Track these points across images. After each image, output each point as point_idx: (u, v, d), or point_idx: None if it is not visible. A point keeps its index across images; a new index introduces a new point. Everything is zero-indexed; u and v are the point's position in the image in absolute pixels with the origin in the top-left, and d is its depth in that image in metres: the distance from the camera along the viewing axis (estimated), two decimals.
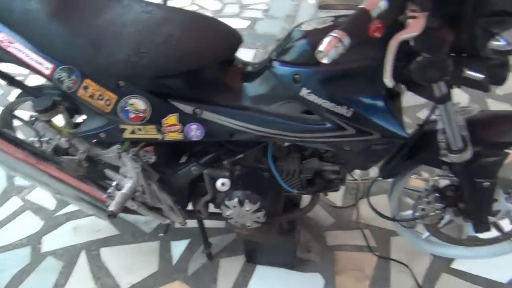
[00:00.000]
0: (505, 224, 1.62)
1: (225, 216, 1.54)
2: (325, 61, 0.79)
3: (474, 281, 1.80)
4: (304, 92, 1.15)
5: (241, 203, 1.46)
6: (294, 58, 1.15)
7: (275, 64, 1.19)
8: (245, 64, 1.34)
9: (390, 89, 1.21)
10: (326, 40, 0.78)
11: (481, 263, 1.82)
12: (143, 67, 1.18)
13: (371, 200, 2.09)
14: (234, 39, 1.29)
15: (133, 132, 1.32)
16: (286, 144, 1.41)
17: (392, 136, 1.17)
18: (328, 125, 1.19)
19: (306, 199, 1.71)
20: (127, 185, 1.44)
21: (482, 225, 1.49)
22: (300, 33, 1.16)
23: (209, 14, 3.61)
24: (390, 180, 1.61)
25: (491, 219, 1.54)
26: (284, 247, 1.80)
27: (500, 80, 1.09)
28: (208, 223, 1.91)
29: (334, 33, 0.78)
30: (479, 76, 0.99)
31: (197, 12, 1.38)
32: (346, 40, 0.78)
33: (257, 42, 3.28)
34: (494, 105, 2.61)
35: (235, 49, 1.29)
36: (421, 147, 1.34)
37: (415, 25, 0.85)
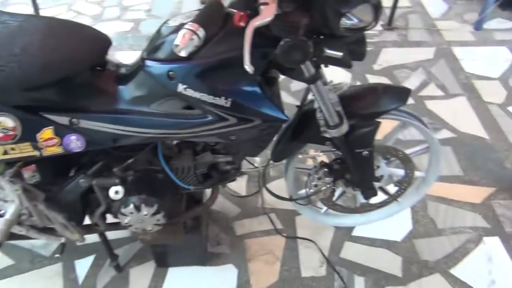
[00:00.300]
0: (390, 187, 1.76)
1: (124, 224, 1.50)
2: (183, 54, 0.80)
3: (373, 243, 1.94)
4: (181, 88, 1.14)
5: (137, 208, 1.42)
6: (166, 55, 1.14)
7: (148, 63, 1.17)
8: (119, 66, 1.30)
9: (266, 75, 1.26)
10: (181, 34, 0.79)
11: (377, 226, 1.96)
12: (3, 81, 1.10)
13: (274, 184, 2.17)
14: (101, 42, 1.24)
15: (5, 153, 1.23)
16: (175, 142, 1.39)
17: (273, 120, 1.21)
18: (210, 117, 1.20)
19: (209, 193, 1.72)
20: (10, 210, 1.33)
21: (369, 192, 1.61)
22: (168, 29, 1.15)
23: (88, 19, 3.47)
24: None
25: (377, 184, 1.66)
26: (192, 245, 1.80)
27: (360, 56, 1.17)
28: (113, 234, 1.85)
29: (188, 26, 0.79)
30: (338, 54, 1.06)
31: (59, 18, 1.31)
32: (201, 32, 0.79)
33: (142, 43, 3.19)
34: (373, 80, 2.82)
35: (105, 52, 1.24)
36: (303, 127, 1.41)
37: (267, 11, 0.88)
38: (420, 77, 2.86)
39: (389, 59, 3.01)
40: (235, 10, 0.98)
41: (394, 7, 3.21)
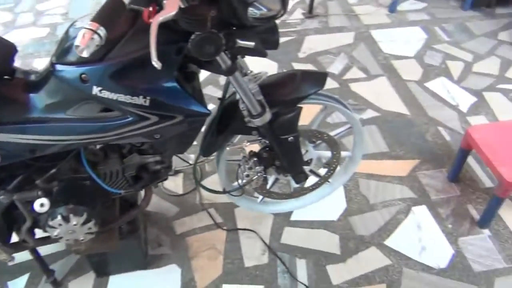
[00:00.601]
0: (321, 170, 1.82)
1: (54, 237, 1.44)
2: (85, 55, 0.78)
3: (311, 225, 2.00)
4: (95, 90, 1.11)
5: (65, 219, 1.37)
6: (77, 58, 1.10)
7: (58, 67, 1.12)
8: (28, 73, 1.24)
9: (185, 70, 1.25)
10: (80, 34, 0.76)
11: (313, 208, 2.02)
12: None
13: (210, 179, 2.17)
14: (4, 49, 1.18)
15: None
16: (99, 146, 1.36)
17: (195, 115, 1.21)
18: (130, 118, 1.18)
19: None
20: None
21: (300, 176, 1.65)
22: (76, 31, 1.11)
23: None
24: None
25: (308, 168, 1.71)
26: (131, 249, 1.76)
27: (273, 44, 1.20)
28: (46, 249, 1.77)
29: (87, 26, 0.77)
30: (250, 44, 1.08)
31: None
32: (102, 31, 0.78)
33: None
34: (299, 67, 2.88)
35: (11, 60, 1.18)
36: (228, 119, 1.42)
37: (170, 6, 0.88)
38: (343, 62, 2.96)
39: (312, 46, 3.09)
40: (142, 8, 0.97)
41: None
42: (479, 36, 3.26)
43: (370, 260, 1.86)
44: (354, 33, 3.24)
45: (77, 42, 0.77)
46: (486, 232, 1.97)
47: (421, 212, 2.05)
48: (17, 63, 1.23)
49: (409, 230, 1.98)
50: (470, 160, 2.27)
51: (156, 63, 0.89)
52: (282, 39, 3.10)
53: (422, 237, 1.95)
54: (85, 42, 0.76)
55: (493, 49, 3.13)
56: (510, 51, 3.10)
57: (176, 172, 2.23)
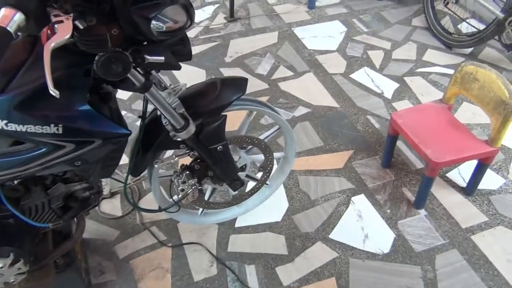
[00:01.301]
0: (257, 174, 1.82)
1: None
2: None
3: (257, 229, 1.99)
4: (1, 124, 1.03)
5: None
6: None
7: None
8: None
9: (99, 92, 1.20)
10: None
11: (257, 212, 2.02)
12: None
13: (149, 197, 2.11)
14: None
15: None
16: (16, 181, 1.27)
17: (114, 136, 1.16)
18: (44, 148, 1.11)
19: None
20: None
21: (235, 183, 1.64)
22: None
23: None
24: None
25: (244, 174, 1.70)
26: (71, 282, 1.67)
27: (187, 55, 1.17)
28: None
29: None
30: (160, 58, 1.05)
31: None
32: None
33: None
34: (228, 72, 2.87)
35: None
36: (153, 136, 1.38)
37: (63, 30, 0.84)
38: (269, 62, 2.99)
39: (238, 49, 3.09)
40: (38, 34, 0.92)
41: None
42: (394, 24, 3.41)
43: (317, 255, 1.89)
44: (278, 33, 3.28)
45: None
46: (422, 212, 2.06)
47: (360, 201, 2.11)
48: None
49: (351, 221, 2.03)
50: (400, 144, 2.37)
51: (53, 92, 0.84)
52: (207, 45, 3.09)
53: (364, 225, 2.00)
54: None
55: (409, 35, 3.28)
56: (424, 35, 3.27)
57: (113, 194, 2.15)
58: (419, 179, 2.18)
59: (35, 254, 1.45)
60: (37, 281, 1.53)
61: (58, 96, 0.84)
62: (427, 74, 2.89)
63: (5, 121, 1.03)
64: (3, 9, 0.81)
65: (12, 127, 1.04)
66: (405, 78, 2.85)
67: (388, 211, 2.06)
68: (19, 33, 1.00)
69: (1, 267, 1.31)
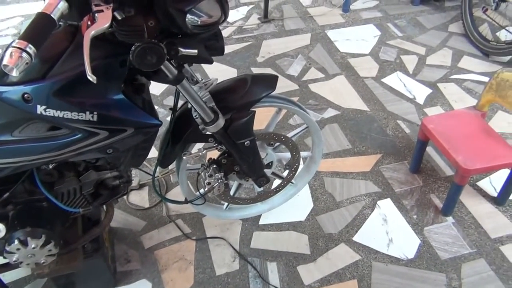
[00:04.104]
0: (283, 172, 1.83)
1: (13, 263, 1.39)
2: (14, 74, 0.76)
3: (280, 228, 2.00)
4: (40, 109, 1.08)
5: (23, 243, 1.33)
6: (18, 77, 1.07)
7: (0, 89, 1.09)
8: None
9: (133, 82, 1.24)
10: (8, 53, 0.75)
11: (281, 210, 2.03)
12: None
13: (176, 190, 2.15)
14: None
15: None
16: (52, 166, 1.33)
17: (145, 126, 1.20)
18: (79, 134, 1.15)
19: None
20: None
21: (261, 179, 1.66)
22: None
23: None
24: None
25: (269, 171, 1.71)
26: (98, 268, 1.72)
27: (219, 50, 1.20)
28: (10, 276, 1.72)
29: (15, 44, 0.75)
30: (193, 51, 1.08)
31: None
32: (30, 48, 0.76)
33: None
34: (259, 72, 2.89)
35: None
36: (182, 128, 1.41)
37: (102, 19, 0.87)
38: (301, 63, 2.99)
39: (270, 50, 3.11)
40: (77, 23, 0.96)
41: (267, 0, 3.32)
42: (430, 30, 3.36)
43: (340, 257, 1.88)
44: (310, 35, 3.28)
45: (5, 61, 0.75)
46: (450, 219, 2.02)
47: (386, 206, 2.08)
48: None
49: (376, 224, 2.01)
50: (430, 150, 2.33)
51: (91, 77, 0.88)
52: (240, 45, 3.12)
53: (388, 230, 1.98)
54: (14, 61, 0.75)
55: (445, 41, 3.22)
56: (461, 42, 3.21)
57: (141, 186, 2.20)
58: (448, 186, 2.14)
59: (65, 238, 1.50)
60: (65, 264, 1.59)
61: (95, 82, 0.87)
62: (461, 81, 2.84)
63: (44, 107, 1.08)
64: None
65: (50, 112, 1.09)
66: (439, 84, 2.81)
67: (415, 216, 2.03)
68: (61, 22, 1.05)
69: (33, 248, 1.36)
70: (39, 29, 0.79)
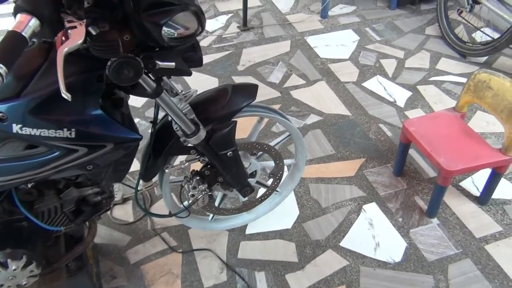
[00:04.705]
0: (268, 181, 1.82)
1: None
2: None
3: (267, 237, 1.99)
4: (16, 128, 1.06)
5: (3, 265, 1.30)
6: None
7: None
8: None
9: (111, 96, 1.22)
10: None
11: (267, 219, 2.02)
12: None
13: (161, 203, 2.12)
14: None
15: None
16: (30, 185, 1.30)
17: (125, 141, 1.18)
18: (58, 152, 1.13)
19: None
20: None
21: (246, 189, 1.65)
22: None
23: None
24: None
25: (254, 180, 1.71)
26: (82, 286, 1.68)
27: (198, 62, 1.19)
28: None
29: None
30: (171, 64, 1.07)
31: None
32: (1, 68, 0.74)
33: None
34: (240, 80, 2.89)
35: None
36: (164, 141, 1.40)
37: (76, 35, 0.86)
38: (282, 70, 3.00)
39: (251, 58, 3.11)
40: (51, 39, 0.94)
41: (246, 8, 3.33)
42: (407, 33, 3.40)
43: (328, 263, 1.88)
44: (290, 41, 3.30)
45: None
46: (435, 221, 2.04)
47: (371, 210, 2.09)
48: None
49: (362, 229, 2.01)
50: (412, 152, 2.35)
51: (65, 95, 0.86)
52: (220, 54, 3.11)
53: (375, 234, 1.99)
54: None
55: (422, 44, 3.27)
56: (438, 44, 3.26)
57: (125, 200, 2.17)
58: (431, 188, 2.16)
59: (47, 257, 1.47)
60: (48, 284, 1.55)
61: (69, 99, 0.86)
62: (440, 83, 2.88)
63: (20, 125, 1.06)
64: (18, 15, 0.84)
65: (27, 131, 1.07)
66: (418, 87, 2.84)
67: (400, 219, 2.04)
68: (34, 39, 1.03)
69: (14, 269, 1.33)
70: (10, 48, 0.77)
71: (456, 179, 2.23)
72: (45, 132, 1.08)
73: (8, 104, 1.04)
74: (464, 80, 2.86)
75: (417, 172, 2.27)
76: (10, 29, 0.79)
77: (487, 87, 1.88)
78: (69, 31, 0.87)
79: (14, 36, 0.78)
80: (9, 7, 0.84)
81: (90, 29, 0.92)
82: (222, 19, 3.56)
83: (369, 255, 1.91)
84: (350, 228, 2.02)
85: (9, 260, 1.31)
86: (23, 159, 1.13)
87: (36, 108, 1.05)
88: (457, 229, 2.00)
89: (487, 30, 3.15)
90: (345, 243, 1.95)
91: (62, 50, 0.85)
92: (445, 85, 2.85)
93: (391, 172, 2.27)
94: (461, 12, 3.12)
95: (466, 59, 3.09)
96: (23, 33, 0.79)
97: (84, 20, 0.88)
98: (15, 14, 0.85)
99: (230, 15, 3.62)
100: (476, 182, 2.20)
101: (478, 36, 3.23)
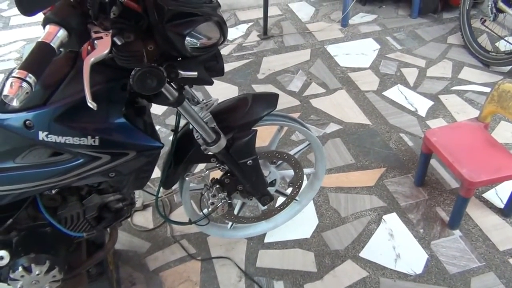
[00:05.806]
0: (287, 190, 1.82)
1: None
2: (15, 104, 0.76)
3: (285, 246, 1.98)
4: (42, 135, 1.09)
5: (27, 269, 1.33)
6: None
7: (1, 116, 1.09)
8: None
9: (134, 105, 1.24)
10: (8, 83, 0.75)
11: (286, 228, 2.01)
12: None
13: (180, 210, 2.14)
14: None
15: None
16: (54, 191, 1.32)
17: (147, 149, 1.20)
18: (81, 159, 1.15)
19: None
20: None
21: (265, 198, 1.65)
22: None
23: None
24: None
25: (273, 189, 1.71)
26: None
27: (219, 71, 1.20)
28: None
29: (15, 74, 0.76)
30: (193, 74, 1.08)
31: None
32: (30, 78, 0.76)
33: None
34: (260, 89, 2.90)
35: None
36: (184, 149, 1.41)
37: (102, 45, 0.88)
38: (301, 79, 3.00)
39: (270, 66, 3.12)
40: (77, 50, 0.97)
41: (266, 17, 3.35)
42: (429, 42, 3.37)
43: (347, 274, 1.86)
44: (310, 50, 3.30)
45: (5, 91, 0.76)
46: (457, 232, 2.00)
47: (392, 220, 2.07)
48: None
49: (382, 239, 1.99)
50: (434, 162, 2.32)
51: (91, 104, 0.88)
52: (240, 62, 3.13)
53: (395, 245, 1.96)
54: (14, 91, 0.75)
55: (444, 53, 3.23)
56: (460, 53, 3.22)
57: (145, 207, 2.19)
58: (453, 199, 2.12)
59: (69, 262, 1.49)
60: None
61: (95, 108, 0.88)
62: (463, 92, 2.84)
63: (45, 133, 1.08)
64: (47, 26, 0.87)
65: (52, 138, 1.09)
66: (440, 96, 2.81)
67: (421, 230, 2.01)
68: (61, 49, 1.06)
69: (37, 274, 1.35)
70: (39, 58, 0.80)
71: (479, 190, 2.18)
72: (69, 140, 1.10)
73: (35, 112, 1.07)
74: (487, 89, 2.82)
75: (438, 182, 2.24)
76: (39, 39, 0.81)
77: (511, 97, 1.85)
78: (95, 41, 0.89)
79: (43, 47, 0.80)
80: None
81: (115, 39, 0.94)
82: (243, 27, 3.59)
83: (389, 266, 1.88)
84: (370, 239, 1.99)
85: (33, 265, 1.33)
86: (48, 165, 1.16)
87: (61, 116, 1.08)
88: (480, 242, 1.96)
89: (511, 39, 3.10)
90: (364, 253, 1.93)
91: (89, 60, 0.87)
92: (468, 95, 2.81)
93: (412, 182, 2.24)
94: (485, 21, 3.08)
95: (489, 68, 3.05)
96: (51, 44, 0.81)
97: (110, 31, 0.91)
98: (44, 25, 0.88)
99: (250, 23, 3.65)
100: (500, 194, 2.16)
101: (502, 45, 3.18)
